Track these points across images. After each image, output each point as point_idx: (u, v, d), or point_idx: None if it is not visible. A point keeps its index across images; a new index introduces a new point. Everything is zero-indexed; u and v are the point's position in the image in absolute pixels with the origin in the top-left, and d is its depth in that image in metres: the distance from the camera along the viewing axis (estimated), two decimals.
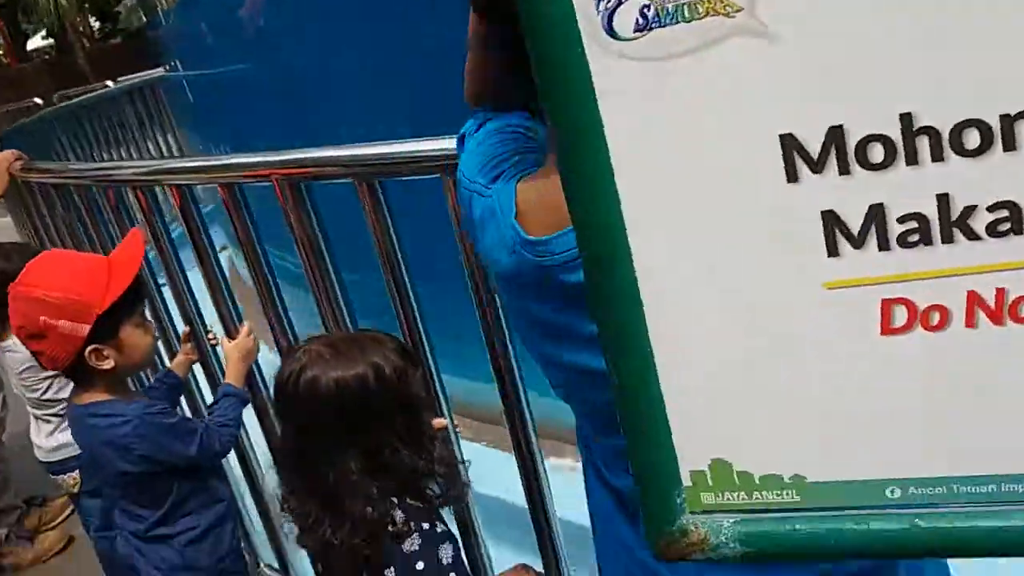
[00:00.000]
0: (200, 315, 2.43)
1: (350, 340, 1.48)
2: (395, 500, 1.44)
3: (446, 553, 1.44)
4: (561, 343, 0.87)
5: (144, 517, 2.09)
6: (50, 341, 1.87)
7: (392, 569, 1.42)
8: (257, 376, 2.32)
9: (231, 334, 2.28)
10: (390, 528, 1.41)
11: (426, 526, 1.45)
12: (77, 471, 2.93)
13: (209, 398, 2.43)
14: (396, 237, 1.70)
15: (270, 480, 2.43)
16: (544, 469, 1.75)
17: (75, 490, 2.95)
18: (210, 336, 2.41)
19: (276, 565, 2.68)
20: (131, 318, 1.98)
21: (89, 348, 1.90)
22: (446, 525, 1.52)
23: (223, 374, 2.39)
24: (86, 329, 1.88)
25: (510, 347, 1.63)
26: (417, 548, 1.42)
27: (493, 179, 0.86)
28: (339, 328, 1.87)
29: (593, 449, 1.08)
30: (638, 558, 1.02)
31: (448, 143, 1.42)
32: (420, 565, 1.42)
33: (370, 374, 1.40)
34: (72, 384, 2.82)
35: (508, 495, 1.94)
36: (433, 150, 1.48)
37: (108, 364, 1.94)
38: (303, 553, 2.62)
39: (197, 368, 2.50)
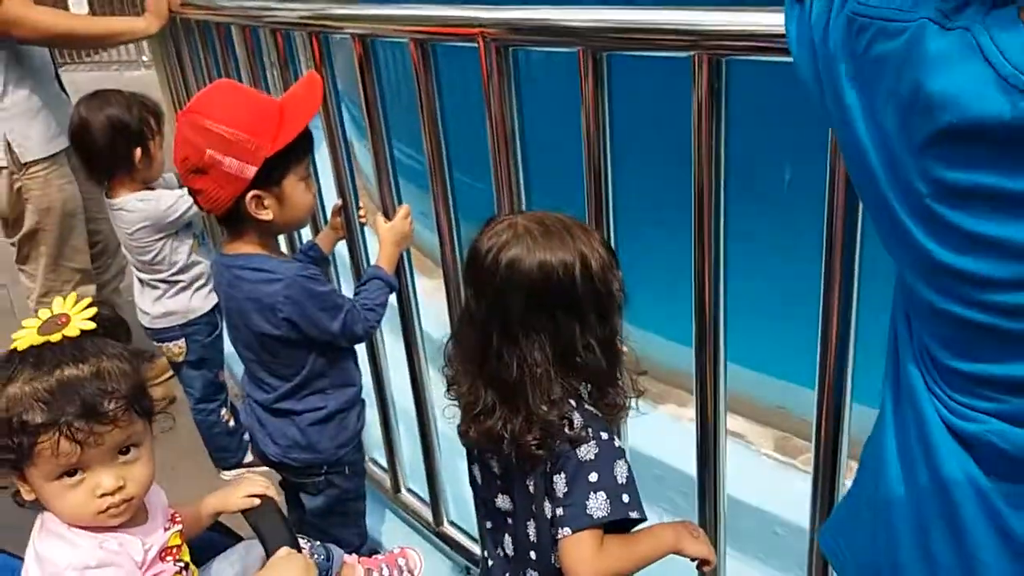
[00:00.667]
0: (355, 188, 2.26)
1: (559, 222, 1.29)
2: (574, 403, 1.28)
3: (621, 471, 1.27)
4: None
5: (273, 387, 1.97)
6: (212, 178, 1.73)
7: (563, 475, 1.26)
8: (406, 268, 2.16)
9: (388, 214, 2.11)
10: (567, 431, 1.25)
11: (604, 436, 1.28)
12: (183, 339, 2.87)
13: (349, 280, 2.30)
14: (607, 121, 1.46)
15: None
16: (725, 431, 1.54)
17: (179, 359, 2.89)
18: (361, 213, 2.26)
19: (383, 463, 2.57)
20: (296, 169, 1.82)
21: (251, 193, 1.76)
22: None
23: (366, 258, 2.27)
24: (252, 171, 1.73)
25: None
26: (593, 457, 1.26)
27: (956, 9, 0.73)
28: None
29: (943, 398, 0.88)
30: None
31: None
32: (594, 477, 1.25)
33: (577, 263, 1.25)
34: (184, 247, 2.79)
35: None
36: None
37: (267, 215, 1.79)
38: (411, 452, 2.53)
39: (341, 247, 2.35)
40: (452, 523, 2.40)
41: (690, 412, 1.55)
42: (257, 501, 1.53)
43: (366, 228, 2.32)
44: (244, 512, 1.53)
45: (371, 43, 1.93)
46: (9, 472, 1.21)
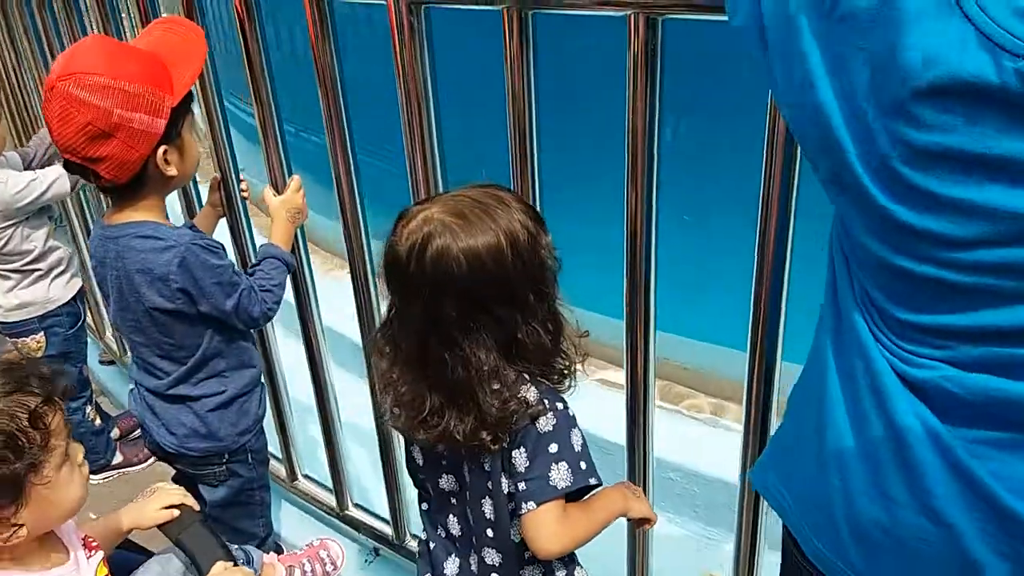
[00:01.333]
0: (234, 159, 2.10)
1: (473, 202, 1.21)
2: (528, 377, 1.23)
3: (577, 439, 1.25)
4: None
5: (166, 372, 1.82)
6: (120, 141, 1.58)
7: (522, 450, 1.22)
8: (301, 245, 2.04)
9: (277, 187, 1.99)
10: (527, 410, 1.21)
11: (560, 405, 1.25)
12: (42, 333, 2.63)
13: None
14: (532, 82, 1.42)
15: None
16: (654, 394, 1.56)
17: (39, 354, 2.64)
18: (243, 187, 2.11)
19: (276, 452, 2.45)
20: (188, 117, 1.71)
21: (162, 148, 1.64)
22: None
23: (250, 238, 2.13)
24: (162, 125, 1.62)
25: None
26: (551, 428, 1.22)
27: None
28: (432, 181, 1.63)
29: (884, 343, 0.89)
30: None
31: None
32: (554, 448, 1.22)
33: (504, 243, 1.16)
34: (39, 233, 2.54)
35: None
36: None
37: (172, 171, 1.68)
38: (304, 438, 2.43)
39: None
40: (357, 505, 2.33)
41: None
42: (175, 513, 1.41)
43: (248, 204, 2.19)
44: (162, 526, 1.41)
45: None
46: None
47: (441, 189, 1.67)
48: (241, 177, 2.11)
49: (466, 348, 1.18)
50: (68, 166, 1.66)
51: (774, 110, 1.19)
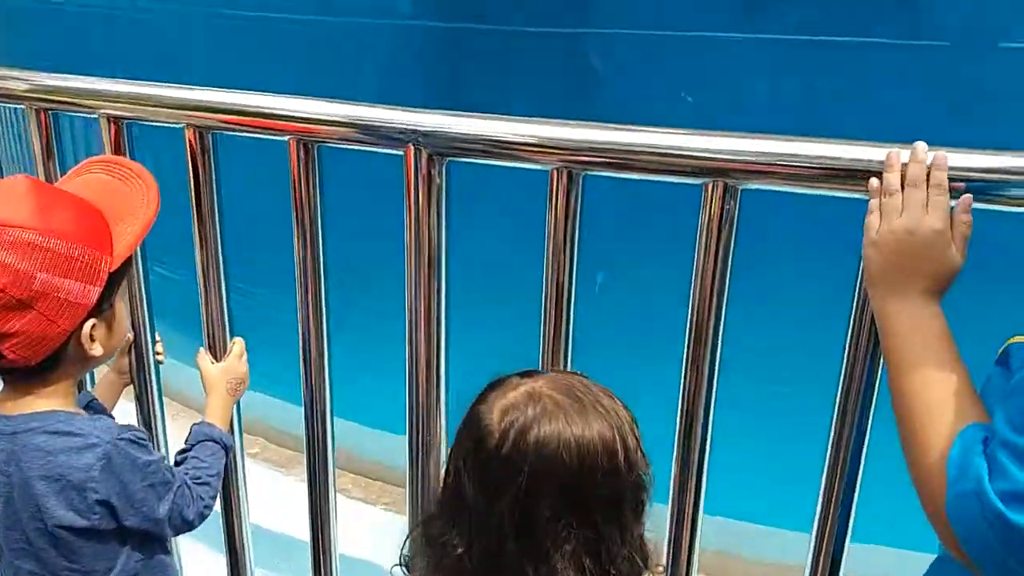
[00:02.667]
0: (150, 314, 1.72)
1: (583, 385, 1.02)
2: None
3: None
4: None
5: None
6: (39, 313, 1.20)
7: None
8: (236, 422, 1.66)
9: (216, 351, 1.63)
10: None
11: None
12: None
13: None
14: None
15: None
16: None
17: None
18: (159, 349, 1.73)
19: None
20: (122, 283, 1.35)
21: (91, 323, 1.27)
22: None
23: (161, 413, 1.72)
24: (96, 294, 1.26)
25: None
26: None
27: None
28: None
29: None
30: None
31: None
32: None
33: (618, 439, 0.97)
34: None
35: None
36: None
37: (97, 350, 1.30)
38: None
39: None
40: None
41: None
42: None
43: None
44: None
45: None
46: None
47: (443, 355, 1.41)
48: (157, 337, 1.73)
49: (556, 565, 0.94)
50: None
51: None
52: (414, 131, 1.31)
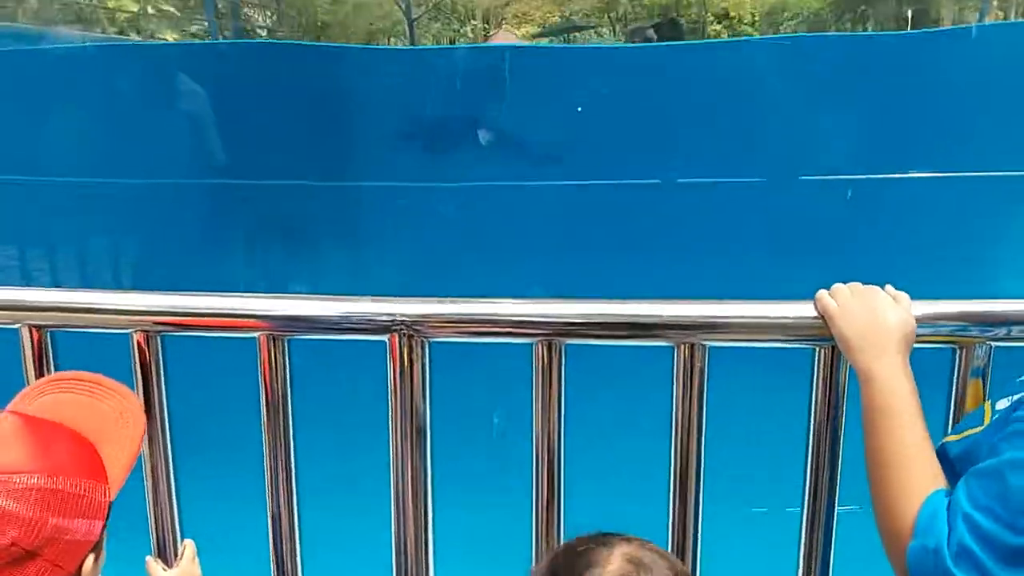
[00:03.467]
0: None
1: (650, 546, 1.13)
2: None
3: None
4: None
5: None
6: (45, 560, 1.10)
7: None
8: None
9: (166, 556, 1.56)
10: None
11: None
12: None
13: None
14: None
15: None
16: None
17: None
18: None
19: None
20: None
21: (91, 557, 1.18)
22: None
23: None
24: (99, 528, 1.18)
25: None
26: None
27: None
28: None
29: None
30: None
31: None
32: None
33: None
34: None
35: None
36: None
37: None
38: None
39: None
40: None
41: None
42: None
43: None
44: None
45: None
46: None
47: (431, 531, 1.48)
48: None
49: None
50: None
51: None
52: (400, 319, 1.39)
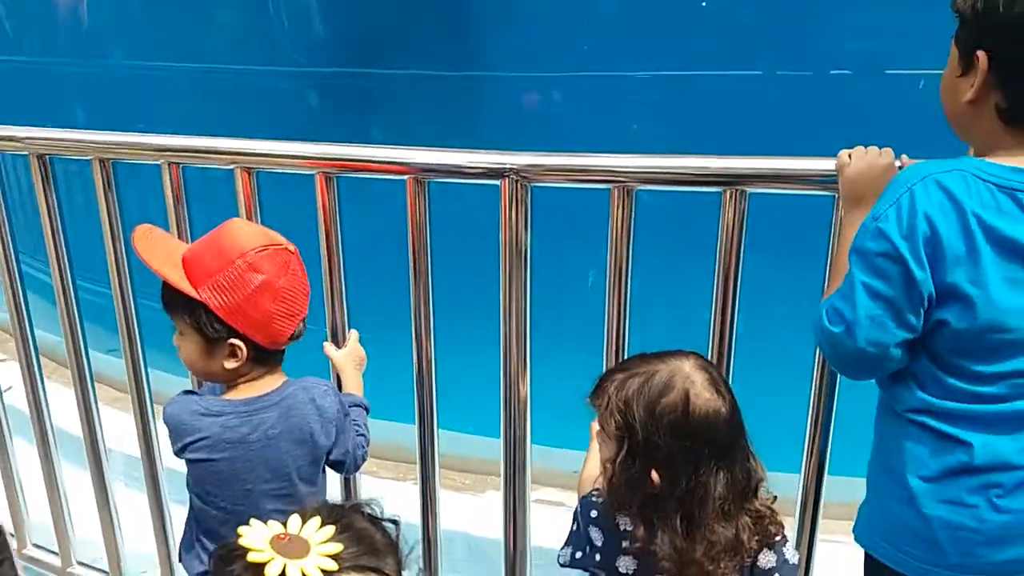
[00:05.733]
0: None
1: (705, 360, 1.53)
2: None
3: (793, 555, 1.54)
4: None
5: None
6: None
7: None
8: None
9: (337, 340, 2.10)
10: (763, 537, 1.48)
11: (773, 529, 1.51)
12: None
13: None
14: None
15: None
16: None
17: None
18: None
19: None
20: None
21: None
22: None
23: None
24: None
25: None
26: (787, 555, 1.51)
27: None
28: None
29: None
30: None
31: None
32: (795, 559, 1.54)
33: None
34: None
35: None
36: None
37: None
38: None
39: None
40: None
41: None
42: None
43: None
44: None
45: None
46: None
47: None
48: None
49: (706, 484, 1.44)
50: None
51: None
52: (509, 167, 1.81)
